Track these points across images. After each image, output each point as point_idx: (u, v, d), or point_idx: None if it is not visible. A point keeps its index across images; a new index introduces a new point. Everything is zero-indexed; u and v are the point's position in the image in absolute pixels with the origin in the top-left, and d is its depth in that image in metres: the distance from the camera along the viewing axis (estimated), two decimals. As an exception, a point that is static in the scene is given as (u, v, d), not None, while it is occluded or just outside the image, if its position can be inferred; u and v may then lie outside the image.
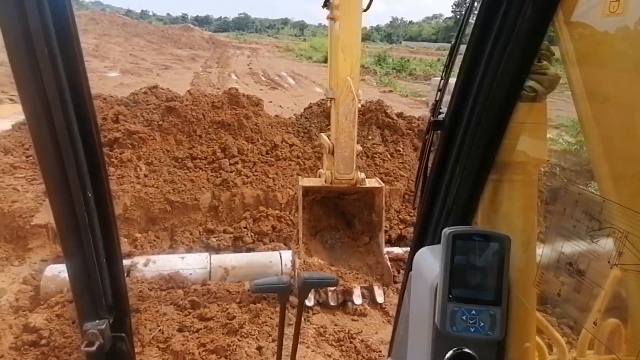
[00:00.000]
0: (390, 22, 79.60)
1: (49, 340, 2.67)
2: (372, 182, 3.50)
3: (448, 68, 0.92)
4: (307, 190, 3.42)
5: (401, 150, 6.29)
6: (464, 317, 0.76)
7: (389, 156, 6.13)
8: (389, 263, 3.52)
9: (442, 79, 0.96)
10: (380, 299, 3.42)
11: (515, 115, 0.77)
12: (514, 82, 0.76)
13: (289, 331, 1.42)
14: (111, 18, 35.20)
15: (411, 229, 5.07)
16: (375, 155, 6.08)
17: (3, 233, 4.25)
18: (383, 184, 3.50)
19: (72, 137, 0.78)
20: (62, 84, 0.75)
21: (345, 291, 3.37)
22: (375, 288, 3.42)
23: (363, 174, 3.42)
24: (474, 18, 0.82)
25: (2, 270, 3.93)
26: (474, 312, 0.76)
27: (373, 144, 6.32)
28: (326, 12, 3.06)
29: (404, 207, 5.49)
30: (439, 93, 0.95)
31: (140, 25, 36.24)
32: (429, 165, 1.01)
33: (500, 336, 0.76)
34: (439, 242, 0.96)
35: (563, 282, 0.70)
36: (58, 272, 3.43)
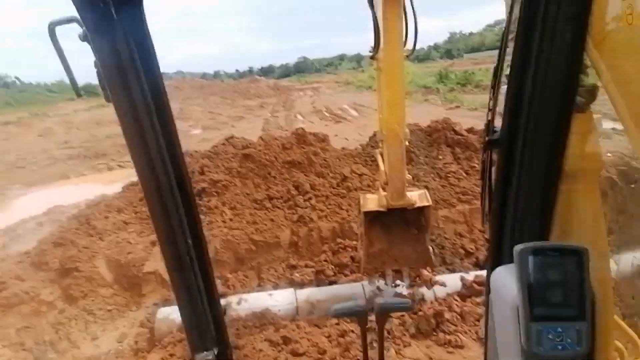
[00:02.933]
0: (449, 37, 77.79)
1: (165, 377, 2.98)
2: (422, 199, 3.59)
3: (495, 88, 0.94)
4: (367, 213, 3.73)
5: (477, 166, 6.00)
6: (549, 336, 0.73)
7: (463, 174, 5.88)
8: (432, 250, 3.82)
9: (490, 98, 0.97)
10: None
11: (566, 126, 0.78)
12: (564, 95, 0.77)
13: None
14: (191, 83, 39.91)
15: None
16: (448, 175, 5.88)
17: (122, 282, 4.91)
18: (430, 202, 3.58)
19: (172, 192, 0.94)
20: (162, 151, 0.92)
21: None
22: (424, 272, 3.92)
23: (414, 196, 3.57)
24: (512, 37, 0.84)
25: (123, 316, 4.50)
26: (559, 329, 0.73)
27: (445, 163, 6.14)
28: (374, 63, 3.28)
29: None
30: (489, 113, 0.97)
31: (214, 85, 40.50)
32: (492, 183, 1.01)
33: (587, 350, 0.74)
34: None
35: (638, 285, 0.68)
36: (168, 314, 3.85)
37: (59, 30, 0.84)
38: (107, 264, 5.05)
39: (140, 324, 4.04)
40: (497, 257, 0.99)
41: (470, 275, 4.04)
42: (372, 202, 3.68)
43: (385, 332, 3.12)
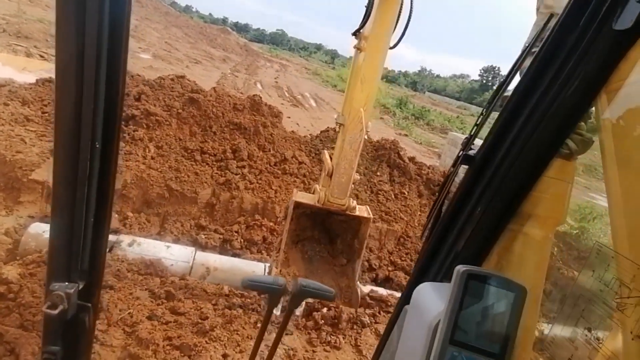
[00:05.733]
0: (419, 71, 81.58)
1: (17, 295, 2.58)
2: (362, 211, 3.43)
3: (491, 104, 0.92)
4: (298, 204, 3.33)
5: (406, 193, 6.29)
6: None
7: (392, 196, 6.13)
8: (359, 290, 3.42)
9: (481, 114, 0.96)
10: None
11: (547, 170, 0.77)
12: (556, 137, 0.76)
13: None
14: (156, 5, 36.27)
15: (400, 273, 4.98)
16: (379, 192, 6.08)
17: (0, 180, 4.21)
18: (371, 215, 3.44)
19: (97, 83, 0.72)
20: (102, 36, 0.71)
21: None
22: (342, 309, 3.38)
23: (355, 202, 3.34)
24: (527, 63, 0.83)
25: (-12, 217, 3.87)
26: None
27: (380, 180, 6.34)
28: (354, 40, 3.12)
29: (397, 249, 5.43)
30: (475, 128, 0.95)
31: (181, 18, 37.30)
32: (446, 200, 1.00)
33: None
34: (441, 281, 0.93)
35: (577, 347, 0.67)
36: (42, 231, 3.37)
37: None
38: (-11, 156, 4.30)
39: (5, 232, 3.49)
40: (424, 273, 0.98)
41: (366, 289, 4.19)
42: (306, 197, 3.32)
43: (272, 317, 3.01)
